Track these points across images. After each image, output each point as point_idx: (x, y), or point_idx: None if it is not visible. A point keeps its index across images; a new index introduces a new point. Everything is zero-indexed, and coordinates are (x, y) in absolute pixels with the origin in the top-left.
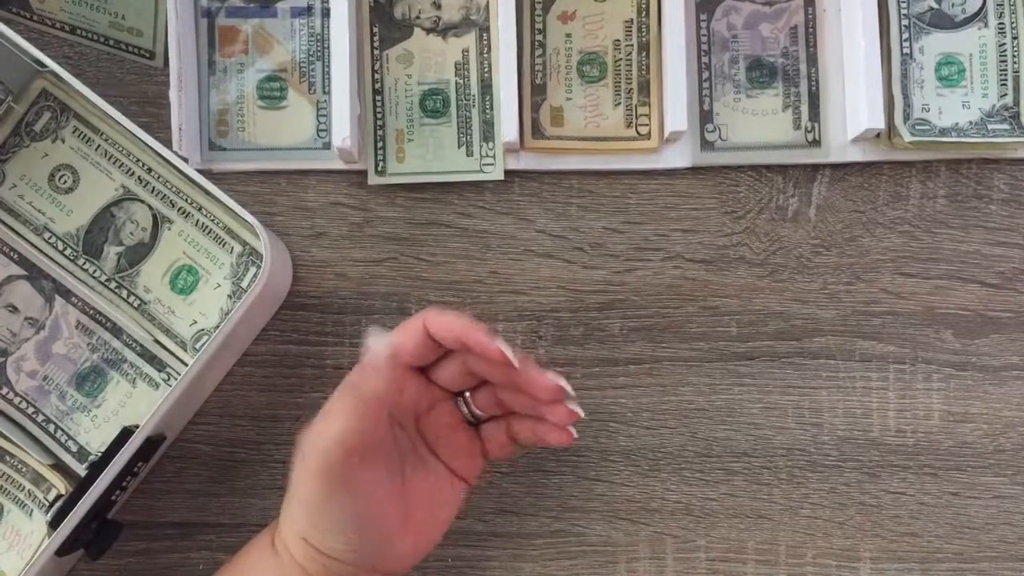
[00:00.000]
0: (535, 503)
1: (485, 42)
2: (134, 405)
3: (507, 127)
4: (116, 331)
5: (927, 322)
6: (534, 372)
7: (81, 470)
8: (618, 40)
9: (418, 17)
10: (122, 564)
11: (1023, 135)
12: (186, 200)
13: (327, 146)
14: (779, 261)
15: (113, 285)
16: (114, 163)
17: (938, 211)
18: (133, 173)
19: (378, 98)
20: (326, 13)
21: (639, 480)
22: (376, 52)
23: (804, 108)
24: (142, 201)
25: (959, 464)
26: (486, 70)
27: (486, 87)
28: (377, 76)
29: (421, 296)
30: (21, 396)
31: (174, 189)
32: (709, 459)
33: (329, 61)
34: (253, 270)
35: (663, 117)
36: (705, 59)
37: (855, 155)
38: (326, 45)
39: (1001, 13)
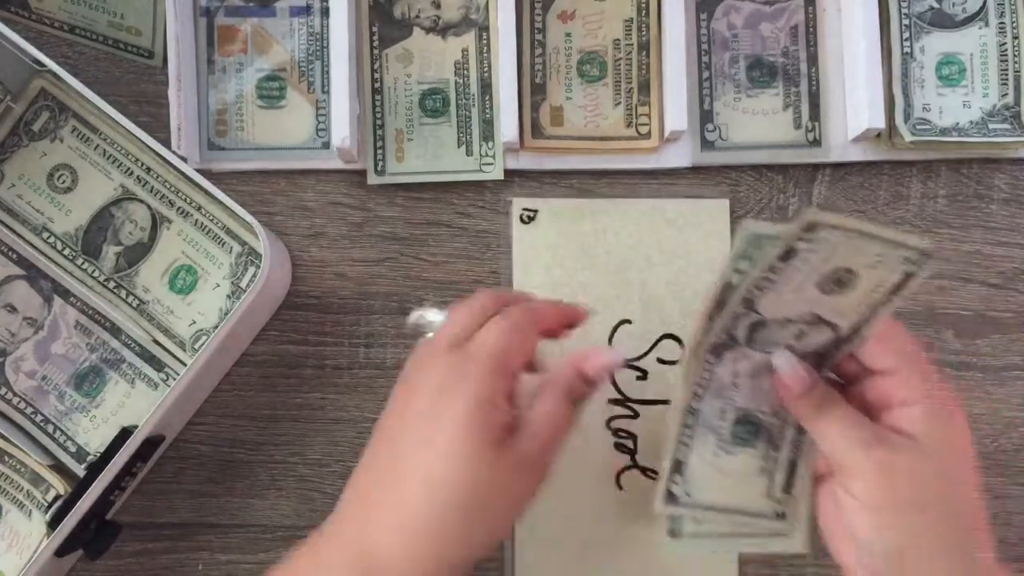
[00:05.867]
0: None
1: (485, 41)
2: (133, 405)
3: (507, 127)
4: (115, 331)
5: (927, 322)
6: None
7: (80, 470)
8: (618, 39)
9: (417, 16)
10: (121, 564)
11: None
12: (185, 200)
13: (326, 146)
14: None
15: (112, 285)
16: (113, 163)
17: (938, 211)
18: (132, 173)
19: (378, 98)
20: (325, 12)
21: None
22: (375, 52)
23: (804, 108)
24: (141, 201)
25: None
26: (486, 70)
27: (486, 87)
28: (377, 76)
29: (421, 296)
30: (20, 396)
31: (173, 189)
32: None
33: (328, 60)
34: (252, 270)
35: (663, 117)
36: (705, 59)
37: (855, 155)
38: (325, 44)
39: (1002, 12)
